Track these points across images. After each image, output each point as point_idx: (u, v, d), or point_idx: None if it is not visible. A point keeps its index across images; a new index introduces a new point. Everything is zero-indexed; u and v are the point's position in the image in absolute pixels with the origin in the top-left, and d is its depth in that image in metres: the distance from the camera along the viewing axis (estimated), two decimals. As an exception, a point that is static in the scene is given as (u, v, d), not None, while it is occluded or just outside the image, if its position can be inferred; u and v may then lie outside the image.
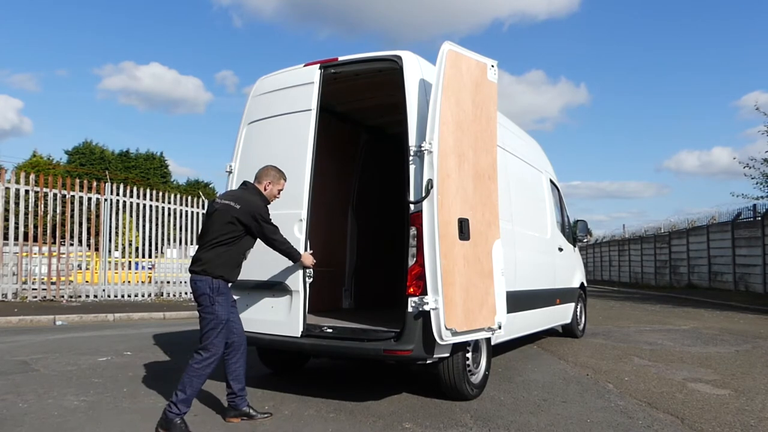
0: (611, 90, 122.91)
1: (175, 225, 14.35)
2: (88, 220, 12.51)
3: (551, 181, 7.46)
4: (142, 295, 13.45)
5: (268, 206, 3.97)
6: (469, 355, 4.38)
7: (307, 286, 4.38)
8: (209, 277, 3.66)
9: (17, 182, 11.43)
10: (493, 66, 4.35)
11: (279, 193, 4.05)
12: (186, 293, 14.13)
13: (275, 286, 4.42)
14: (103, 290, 12.74)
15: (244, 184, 4.04)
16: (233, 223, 3.73)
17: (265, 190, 3.97)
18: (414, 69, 4.22)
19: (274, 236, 3.91)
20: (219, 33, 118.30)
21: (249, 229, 3.80)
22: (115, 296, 12.83)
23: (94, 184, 12.81)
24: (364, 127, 6.80)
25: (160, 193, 14.23)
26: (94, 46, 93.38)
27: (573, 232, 8.15)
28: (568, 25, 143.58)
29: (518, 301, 5.27)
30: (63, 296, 11.99)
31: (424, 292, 3.77)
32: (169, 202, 14.21)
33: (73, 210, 12.31)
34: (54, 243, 12.01)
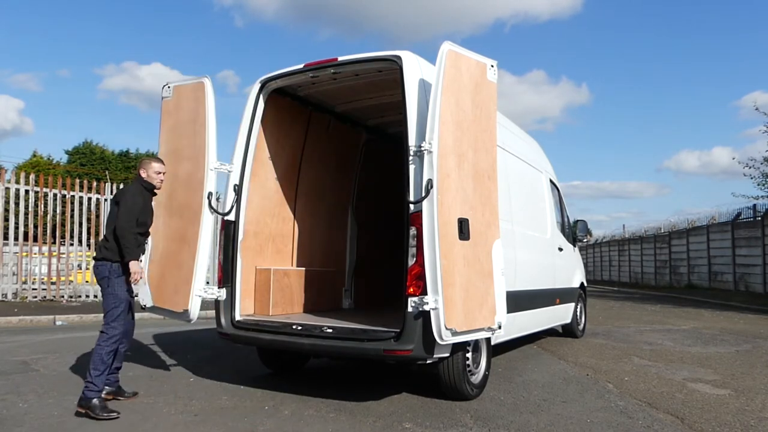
0: (612, 90, 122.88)
1: (175, 225, 14.35)
2: (88, 220, 12.51)
3: (551, 181, 7.46)
4: (142, 295, 13.44)
5: (150, 192, 4.31)
6: (469, 355, 4.38)
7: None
8: (108, 262, 4.06)
9: (17, 182, 11.43)
10: (492, 66, 4.35)
11: (159, 175, 4.33)
12: (186, 293, 14.11)
13: None
14: (103, 290, 12.73)
15: None
16: (113, 211, 4.16)
17: (146, 177, 4.30)
18: (414, 69, 4.22)
19: (124, 224, 4.00)
20: (220, 33, 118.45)
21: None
22: (115, 296, 12.82)
23: (94, 184, 12.81)
24: (364, 127, 6.80)
25: (160, 193, 14.22)
26: (96, 46, 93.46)
27: (573, 232, 8.15)
28: (570, 26, 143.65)
29: (518, 301, 5.27)
30: (63, 296, 11.99)
31: (424, 292, 3.77)
32: (169, 202, 14.21)
33: (73, 210, 12.31)
34: (54, 243, 12.01)
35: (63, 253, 12.39)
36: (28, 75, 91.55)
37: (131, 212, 4.07)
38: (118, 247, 4.02)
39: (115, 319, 4.05)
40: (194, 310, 4.61)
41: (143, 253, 4.44)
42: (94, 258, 4.18)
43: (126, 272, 4.07)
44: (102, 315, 4.18)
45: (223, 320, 4.70)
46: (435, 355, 3.97)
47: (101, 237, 4.46)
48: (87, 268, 13.13)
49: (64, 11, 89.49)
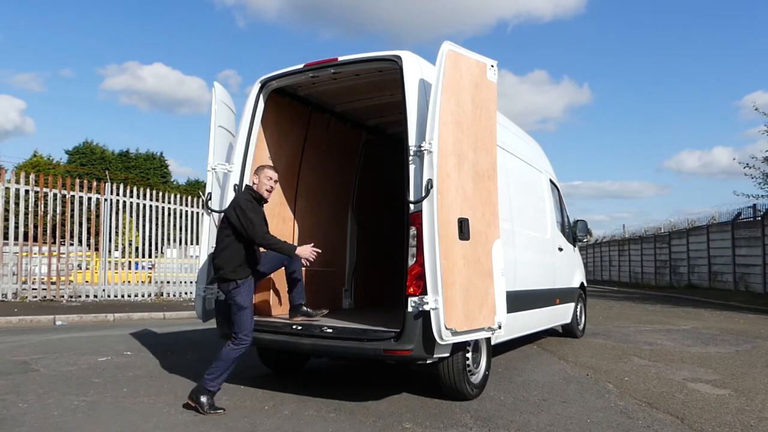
0: (613, 90, 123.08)
1: (175, 225, 14.36)
2: (88, 220, 12.51)
3: (551, 181, 7.46)
4: (142, 295, 13.45)
5: (260, 202, 4.32)
6: (469, 355, 4.38)
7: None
8: (226, 282, 4.15)
9: (17, 182, 11.43)
10: (492, 66, 4.34)
11: (269, 182, 4.32)
12: (186, 293, 14.12)
13: None
14: (103, 290, 12.74)
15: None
16: (224, 225, 4.22)
17: (254, 185, 4.34)
18: (414, 69, 4.22)
19: (258, 235, 4.11)
20: (222, 33, 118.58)
21: (235, 228, 4.12)
22: (115, 296, 12.83)
23: (94, 184, 12.81)
24: (364, 127, 6.80)
25: (160, 193, 14.23)
26: (99, 45, 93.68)
27: (573, 232, 8.15)
28: (572, 26, 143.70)
29: (518, 301, 5.26)
30: (63, 296, 11.99)
31: (424, 292, 3.77)
32: (169, 202, 14.22)
33: (73, 210, 12.31)
34: (54, 243, 12.01)
35: (63, 253, 12.39)
36: (31, 75, 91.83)
37: (255, 222, 4.12)
38: (228, 266, 4.11)
39: (241, 327, 4.09)
40: (198, 310, 4.77)
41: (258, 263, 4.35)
42: (218, 282, 4.28)
43: (243, 283, 4.14)
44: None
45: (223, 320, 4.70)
46: (435, 355, 3.96)
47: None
48: (87, 268, 13.15)
49: (67, 11, 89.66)
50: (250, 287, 4.20)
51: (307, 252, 4.30)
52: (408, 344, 3.85)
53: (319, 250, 4.38)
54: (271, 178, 4.34)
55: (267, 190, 4.32)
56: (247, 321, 4.10)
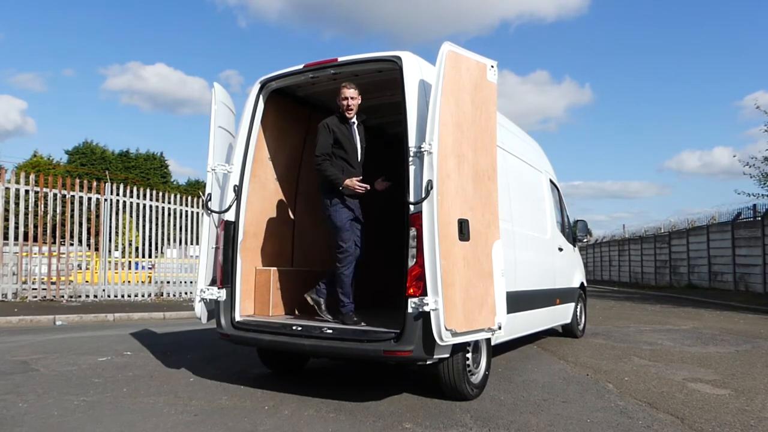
0: (614, 90, 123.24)
1: (175, 225, 14.37)
2: (88, 220, 12.52)
3: (551, 181, 7.46)
4: (142, 295, 13.45)
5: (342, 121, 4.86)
6: (469, 355, 4.38)
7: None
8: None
9: (17, 182, 11.43)
10: (492, 66, 4.34)
11: (345, 101, 4.79)
12: (186, 293, 14.13)
13: None
14: (103, 290, 12.74)
15: None
16: None
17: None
18: (413, 70, 4.22)
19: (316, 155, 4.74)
20: (224, 33, 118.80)
21: None
22: (115, 296, 12.84)
23: (94, 184, 12.81)
24: (364, 127, 6.78)
25: (160, 193, 14.24)
26: (102, 45, 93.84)
27: (573, 232, 8.15)
28: (575, 27, 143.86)
29: (518, 302, 5.27)
30: (63, 296, 12.00)
31: (424, 293, 3.76)
32: (169, 202, 14.23)
33: (73, 210, 12.32)
34: (54, 243, 12.02)
35: (63, 253, 12.39)
36: (32, 75, 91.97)
37: (321, 157, 4.76)
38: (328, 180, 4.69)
39: (339, 245, 4.87)
40: (197, 311, 4.79)
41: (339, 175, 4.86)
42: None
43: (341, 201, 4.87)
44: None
45: (223, 321, 4.70)
46: (435, 356, 3.96)
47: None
48: (87, 268, 13.15)
49: (69, 11, 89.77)
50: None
51: (353, 183, 4.74)
52: (408, 345, 3.85)
53: (367, 186, 4.83)
54: (347, 98, 4.75)
55: (346, 107, 4.78)
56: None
